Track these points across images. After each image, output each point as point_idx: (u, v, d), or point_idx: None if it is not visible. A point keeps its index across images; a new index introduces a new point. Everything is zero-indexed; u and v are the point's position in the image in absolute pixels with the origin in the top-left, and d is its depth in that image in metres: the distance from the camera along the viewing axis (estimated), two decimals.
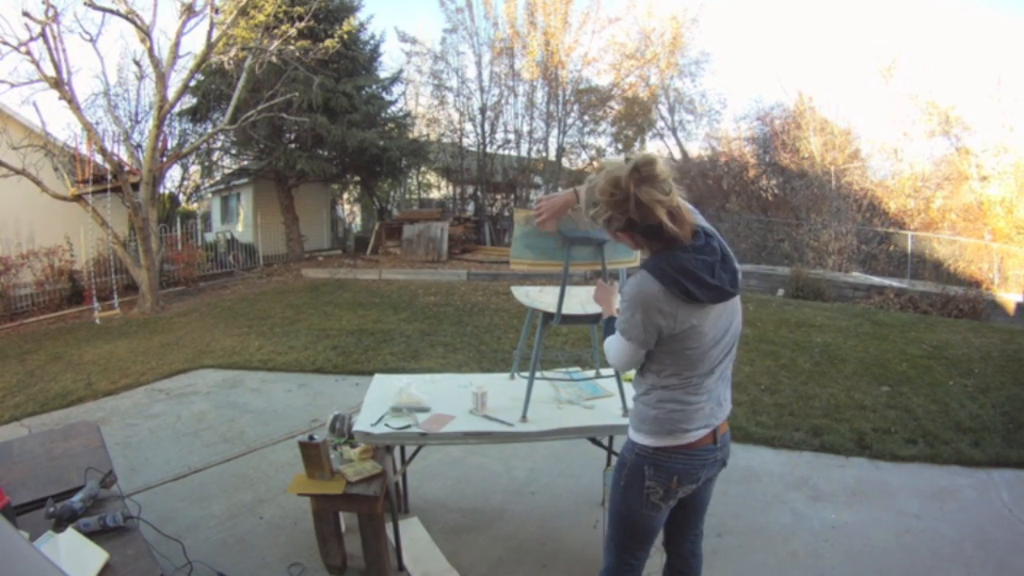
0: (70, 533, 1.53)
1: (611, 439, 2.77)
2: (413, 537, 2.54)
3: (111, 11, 7.91)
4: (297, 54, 9.62)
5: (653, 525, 1.58)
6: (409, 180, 18.42)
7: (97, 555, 1.48)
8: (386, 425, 2.26)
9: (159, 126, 8.76)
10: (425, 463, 3.19)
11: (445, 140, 16.34)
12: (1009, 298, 9.04)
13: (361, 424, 2.27)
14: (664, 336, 1.40)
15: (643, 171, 1.30)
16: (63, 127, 25.87)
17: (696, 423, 1.46)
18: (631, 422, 1.56)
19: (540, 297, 2.44)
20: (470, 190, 16.87)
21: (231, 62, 9.19)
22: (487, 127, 15.63)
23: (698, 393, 1.46)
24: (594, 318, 2.32)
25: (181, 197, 16.06)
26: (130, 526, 1.66)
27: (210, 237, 14.73)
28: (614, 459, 2.73)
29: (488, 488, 3.09)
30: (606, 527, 1.68)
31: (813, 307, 7.89)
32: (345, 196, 20.38)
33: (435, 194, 19.27)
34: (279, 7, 9.60)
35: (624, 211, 1.33)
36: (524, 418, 2.27)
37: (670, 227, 1.31)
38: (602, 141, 16.51)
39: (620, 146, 16.37)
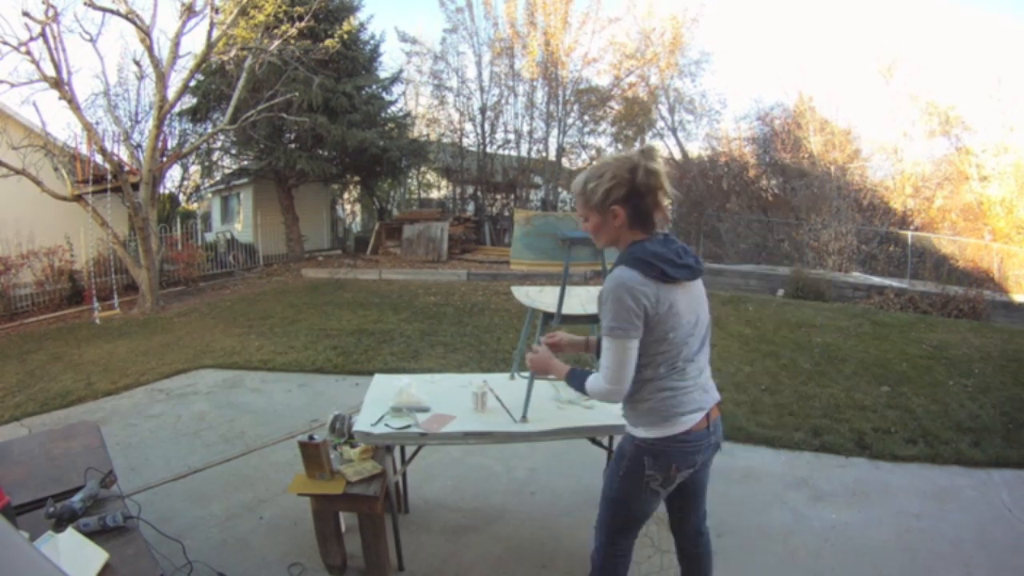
0: (70, 533, 1.53)
1: (611, 439, 2.77)
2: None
3: (111, 11, 7.92)
4: (297, 54, 9.63)
5: (646, 509, 1.67)
6: (409, 180, 18.42)
7: (97, 555, 1.48)
8: (386, 425, 2.26)
9: (159, 126, 8.76)
10: (425, 463, 3.19)
11: (445, 140, 16.33)
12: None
13: (361, 424, 2.27)
14: (649, 319, 1.47)
15: (648, 152, 1.50)
16: (63, 127, 25.93)
17: (689, 407, 1.54)
18: (627, 420, 1.62)
19: (540, 297, 2.44)
20: (470, 190, 16.87)
21: (231, 62, 9.19)
22: (487, 127, 15.64)
23: (684, 379, 1.54)
24: (594, 318, 2.32)
25: (181, 197, 16.08)
26: (130, 526, 1.65)
27: (210, 237, 14.72)
28: None
29: (488, 488, 3.09)
30: (600, 511, 1.75)
31: (813, 307, 7.89)
32: (345, 196, 20.37)
33: (435, 194, 19.27)
34: (279, 7, 9.61)
35: (630, 180, 1.47)
36: (524, 418, 2.27)
37: (662, 204, 1.50)
38: (602, 141, 16.54)
39: (620, 146, 16.37)
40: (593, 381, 1.56)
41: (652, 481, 1.57)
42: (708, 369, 1.64)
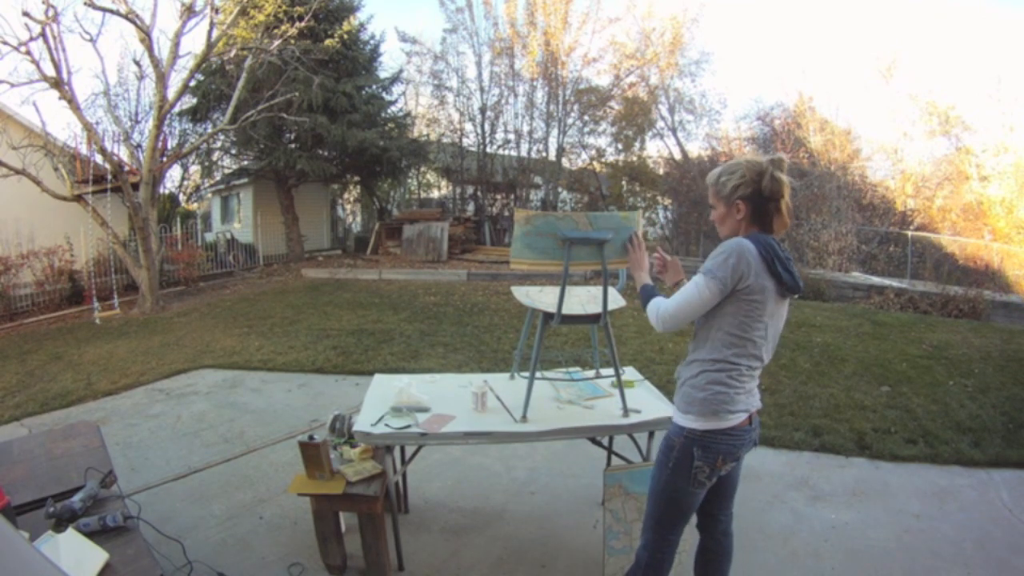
0: (70, 533, 1.53)
1: (611, 439, 2.77)
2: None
3: (111, 11, 7.91)
4: (297, 54, 9.62)
5: (693, 502, 1.75)
6: (409, 180, 18.41)
7: (97, 555, 1.48)
8: (386, 425, 2.26)
9: (159, 126, 8.76)
10: (425, 463, 3.19)
11: (445, 140, 16.33)
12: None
13: (361, 424, 2.27)
14: (740, 288, 1.58)
15: (778, 162, 1.64)
16: (63, 127, 25.98)
17: (738, 406, 1.64)
18: (678, 406, 1.71)
19: (540, 297, 2.44)
20: (470, 190, 16.86)
21: (231, 62, 9.19)
22: (487, 127, 15.64)
23: (740, 381, 1.63)
24: (594, 318, 2.32)
25: (181, 197, 16.07)
26: (130, 526, 1.66)
27: (210, 237, 14.73)
28: (614, 459, 2.74)
29: (488, 488, 3.09)
30: (645, 507, 1.84)
31: (813, 307, 7.88)
32: (345, 196, 20.37)
33: (435, 194, 19.26)
34: (279, 7, 9.61)
35: (756, 182, 1.61)
36: (524, 418, 2.27)
37: (785, 208, 1.62)
38: (602, 141, 16.54)
39: (620, 146, 16.38)
40: (655, 304, 1.74)
41: (700, 473, 1.66)
42: (758, 379, 1.73)
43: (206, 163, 14.56)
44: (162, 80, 8.51)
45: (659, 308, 1.72)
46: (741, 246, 1.58)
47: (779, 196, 1.62)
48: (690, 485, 1.69)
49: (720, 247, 1.62)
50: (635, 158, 16.51)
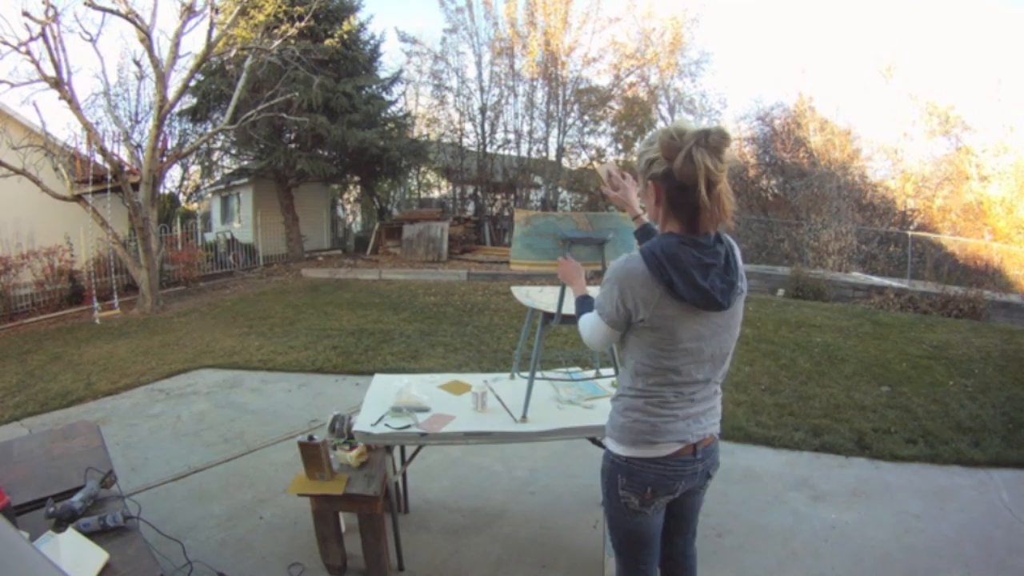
0: (70, 533, 1.53)
1: None
2: None
3: (111, 11, 7.92)
4: (297, 54, 9.62)
5: (642, 530, 1.49)
6: (409, 180, 18.42)
7: (97, 555, 1.48)
8: (386, 425, 2.26)
9: (159, 126, 8.76)
10: (425, 463, 3.19)
11: (445, 140, 16.34)
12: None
13: (361, 424, 2.27)
14: (635, 322, 1.33)
15: (710, 139, 1.22)
16: (63, 127, 25.98)
17: (665, 437, 1.38)
18: (606, 426, 1.50)
19: (540, 297, 2.44)
20: (470, 190, 16.87)
21: (231, 62, 9.19)
22: (487, 127, 15.65)
23: (668, 408, 1.37)
24: None
25: (181, 197, 16.07)
26: (130, 526, 1.66)
27: (210, 237, 14.73)
28: None
29: (488, 488, 3.09)
30: (608, 534, 1.64)
31: (813, 307, 7.88)
32: (345, 196, 20.37)
33: (435, 194, 19.27)
34: (279, 7, 9.61)
35: (671, 158, 1.25)
36: (524, 418, 2.27)
37: (703, 197, 1.22)
38: (602, 141, 16.54)
39: (620, 146, 16.37)
40: (585, 320, 1.51)
41: (629, 503, 1.43)
42: (711, 402, 1.45)
43: (206, 163, 14.57)
44: (162, 80, 8.51)
45: (584, 326, 1.51)
46: (624, 270, 1.31)
47: (693, 183, 1.22)
48: (627, 515, 1.45)
49: (611, 267, 1.36)
50: (635, 158, 16.48)
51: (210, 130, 11.56)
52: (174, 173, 15.17)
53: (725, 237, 1.36)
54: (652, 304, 1.29)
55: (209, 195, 17.60)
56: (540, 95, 15.45)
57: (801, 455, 3.46)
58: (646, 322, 1.31)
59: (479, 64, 15.34)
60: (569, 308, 2.27)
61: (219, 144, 13.71)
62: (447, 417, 2.32)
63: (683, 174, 1.23)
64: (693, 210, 1.26)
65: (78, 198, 8.49)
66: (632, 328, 1.36)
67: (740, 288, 1.35)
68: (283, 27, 9.29)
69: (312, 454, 2.21)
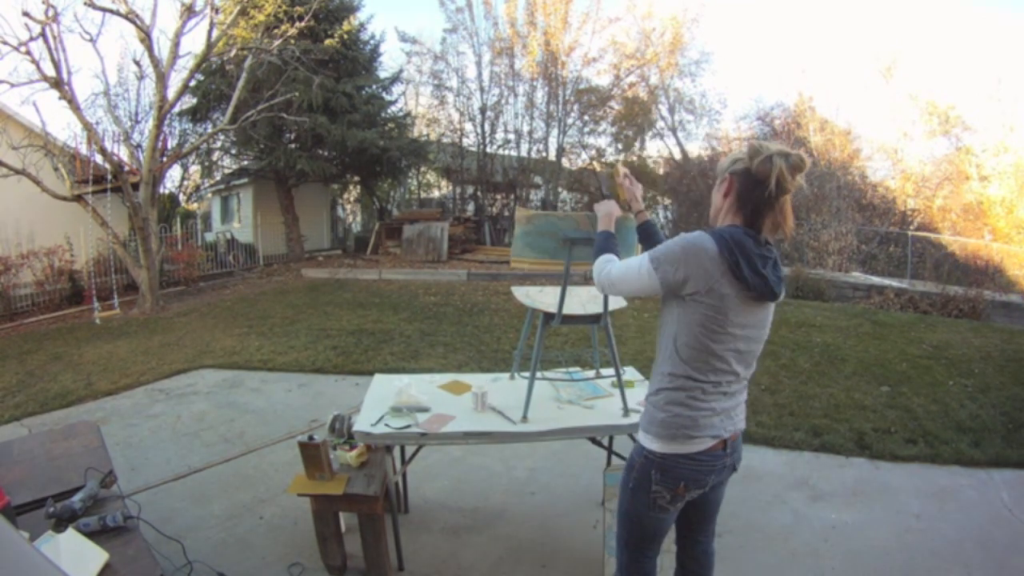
0: (70, 533, 1.53)
1: (611, 439, 2.77)
2: None
3: (111, 11, 7.91)
4: (297, 54, 9.62)
5: (661, 526, 1.58)
6: (409, 180, 18.42)
7: (97, 555, 1.48)
8: (386, 425, 2.26)
9: (159, 126, 8.76)
10: (425, 463, 3.19)
11: (445, 140, 16.33)
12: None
13: (361, 424, 2.27)
14: (686, 295, 1.39)
15: (791, 157, 1.36)
16: (63, 127, 25.96)
17: (702, 431, 1.44)
18: (640, 422, 1.56)
19: (540, 297, 2.44)
20: (470, 190, 16.87)
21: (231, 62, 9.18)
22: (487, 127, 15.64)
23: (705, 400, 1.44)
24: (595, 318, 2.32)
25: (181, 197, 16.07)
26: (130, 526, 1.66)
27: (210, 237, 14.72)
28: (614, 459, 2.74)
29: (488, 488, 3.09)
30: (615, 526, 1.67)
31: (813, 307, 7.88)
32: (345, 196, 20.37)
33: (435, 194, 19.27)
34: (279, 7, 9.61)
35: (752, 158, 1.38)
36: (524, 418, 2.27)
37: (778, 208, 1.37)
38: (602, 141, 16.54)
39: (620, 146, 16.37)
40: (605, 260, 1.61)
41: (659, 498, 1.49)
42: (741, 396, 1.54)
43: (206, 163, 14.57)
44: (162, 80, 8.51)
45: (605, 267, 1.58)
46: (696, 243, 1.38)
47: (766, 182, 1.35)
48: (650, 510, 1.51)
49: (679, 236, 1.43)
50: (635, 158, 16.51)
51: (210, 130, 11.55)
52: (174, 173, 15.19)
53: (772, 248, 1.45)
54: (713, 280, 1.36)
55: (209, 195, 17.60)
56: (540, 95, 15.46)
57: (801, 455, 3.46)
58: (700, 295, 1.37)
59: (479, 64, 15.35)
60: (569, 308, 2.28)
61: (219, 144, 13.70)
62: (447, 417, 2.32)
63: (760, 171, 1.37)
64: (757, 207, 1.39)
65: (78, 198, 8.49)
66: (682, 303, 1.42)
67: (783, 288, 1.46)
68: (283, 27, 9.28)
69: (312, 454, 2.21)
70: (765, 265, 1.37)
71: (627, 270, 1.51)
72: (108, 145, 9.36)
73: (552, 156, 15.90)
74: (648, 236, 1.81)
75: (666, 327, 1.48)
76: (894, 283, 9.85)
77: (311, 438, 2.23)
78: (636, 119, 15.69)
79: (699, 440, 1.45)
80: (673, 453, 1.46)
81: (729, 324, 1.38)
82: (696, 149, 17.49)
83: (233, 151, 14.37)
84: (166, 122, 9.60)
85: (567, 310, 2.23)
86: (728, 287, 1.36)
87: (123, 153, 10.26)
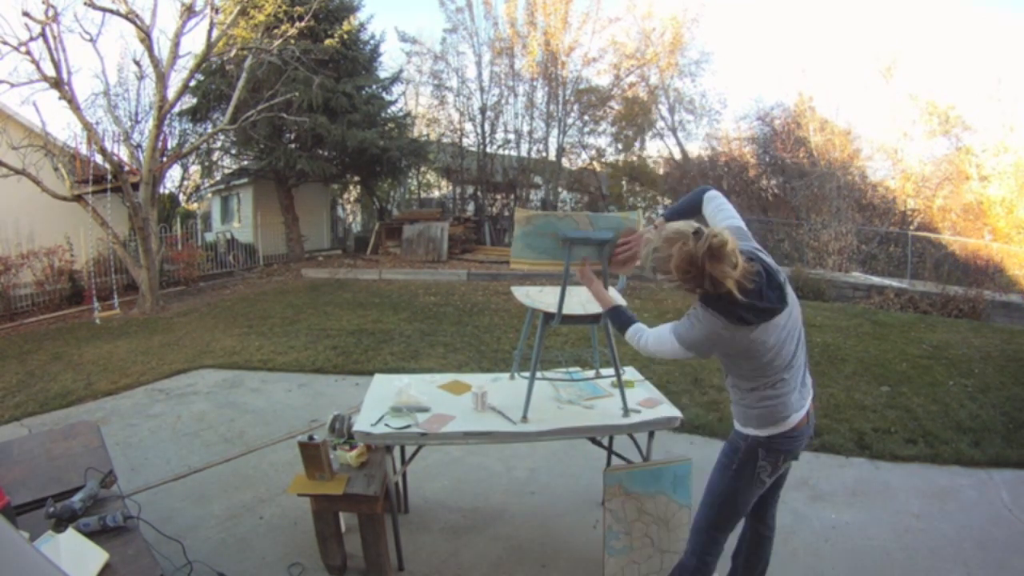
0: (70, 533, 1.53)
1: (611, 439, 2.77)
2: None
3: (111, 11, 7.91)
4: (297, 54, 9.62)
5: (751, 502, 1.80)
6: (409, 180, 18.42)
7: (97, 555, 1.48)
8: (386, 425, 2.26)
9: (159, 126, 8.76)
10: (425, 463, 3.19)
11: (445, 140, 16.33)
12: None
13: (361, 424, 2.27)
14: (731, 355, 1.65)
15: (716, 251, 1.46)
16: (63, 127, 25.92)
17: (791, 409, 1.68)
18: (737, 419, 1.77)
19: (540, 297, 2.44)
20: (470, 190, 16.86)
21: (231, 62, 9.18)
22: (487, 127, 15.63)
23: (783, 386, 1.66)
24: (594, 318, 2.32)
25: (181, 197, 16.07)
26: (130, 526, 1.66)
27: (210, 237, 14.72)
28: (614, 459, 2.74)
29: (488, 488, 3.09)
30: (702, 511, 1.83)
31: (813, 307, 7.88)
32: (345, 196, 20.37)
33: (435, 194, 19.27)
34: (279, 7, 9.61)
35: (699, 283, 1.53)
36: (524, 418, 2.27)
37: (738, 296, 1.49)
38: (602, 141, 16.53)
39: (620, 146, 16.36)
40: (637, 330, 1.81)
41: (763, 472, 1.73)
42: (806, 366, 1.75)
43: (206, 163, 14.56)
44: (162, 80, 8.51)
45: (640, 338, 1.79)
46: (711, 328, 1.57)
47: (723, 290, 1.51)
48: (753, 486, 1.75)
49: (693, 319, 1.61)
50: (635, 158, 16.51)
51: (210, 130, 11.55)
52: (174, 173, 15.19)
53: (756, 254, 1.60)
54: (734, 338, 1.58)
55: (209, 195, 17.59)
56: (540, 95, 15.45)
57: (801, 455, 3.46)
58: (732, 355, 1.65)
59: (479, 64, 15.34)
60: (569, 308, 2.28)
61: (219, 144, 13.70)
62: (447, 417, 2.32)
63: (714, 286, 1.50)
64: (701, 282, 1.52)
65: (78, 198, 8.49)
66: (723, 356, 1.70)
67: (783, 280, 1.61)
68: (283, 27, 9.28)
69: (312, 454, 2.21)
70: (761, 295, 1.54)
71: (661, 343, 1.72)
72: (108, 145, 9.37)
73: (552, 156, 15.90)
74: (625, 321, 1.89)
75: (723, 366, 1.76)
76: (894, 283, 9.85)
77: (311, 438, 2.23)
78: (636, 119, 15.69)
79: (792, 417, 1.69)
80: (776, 434, 1.70)
81: (768, 349, 1.60)
82: (696, 149, 17.48)
83: (233, 151, 14.36)
84: (166, 122, 9.59)
85: (567, 310, 2.23)
86: (748, 332, 1.56)
87: (123, 153, 10.28)
